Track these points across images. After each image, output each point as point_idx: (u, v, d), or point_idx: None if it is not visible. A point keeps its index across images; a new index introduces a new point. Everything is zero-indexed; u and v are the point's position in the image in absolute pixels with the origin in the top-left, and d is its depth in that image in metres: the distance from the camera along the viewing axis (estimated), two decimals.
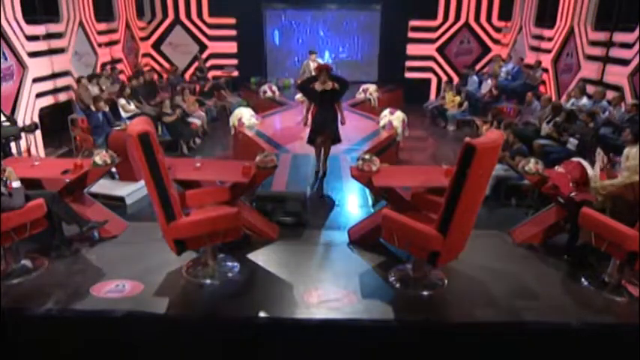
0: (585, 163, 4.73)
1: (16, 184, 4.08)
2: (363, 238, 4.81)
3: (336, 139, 6.82)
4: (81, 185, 4.88)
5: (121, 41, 12.27)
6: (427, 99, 13.27)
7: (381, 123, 9.26)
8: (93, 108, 7.93)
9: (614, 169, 4.35)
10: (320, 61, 9.93)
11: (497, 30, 13.79)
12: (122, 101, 9.41)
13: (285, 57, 14.74)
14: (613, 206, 4.01)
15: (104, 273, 4.24)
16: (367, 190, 5.94)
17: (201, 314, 3.86)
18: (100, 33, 11.15)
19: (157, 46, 14.07)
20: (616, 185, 3.95)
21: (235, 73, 14.20)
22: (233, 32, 14.10)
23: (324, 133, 6.68)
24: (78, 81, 9.45)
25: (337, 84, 6.51)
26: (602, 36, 9.47)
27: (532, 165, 4.81)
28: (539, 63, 11.36)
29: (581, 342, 3.69)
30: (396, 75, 14.04)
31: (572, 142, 7.34)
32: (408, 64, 14.22)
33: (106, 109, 8.24)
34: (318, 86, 6.47)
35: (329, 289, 4.06)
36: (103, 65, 11.14)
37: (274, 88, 12.42)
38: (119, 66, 11.86)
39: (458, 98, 11.74)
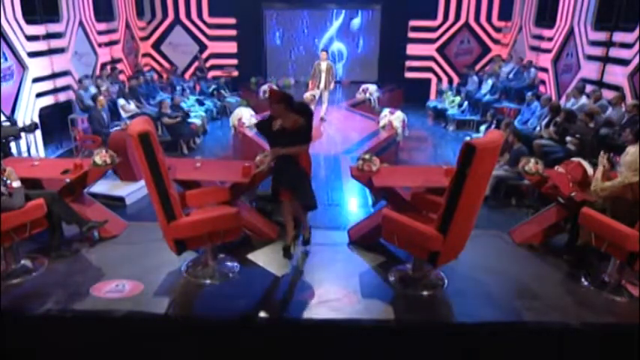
0: (585, 163, 4.74)
1: (16, 184, 4.08)
2: (363, 238, 4.80)
3: (308, 203, 4.36)
4: (81, 185, 4.88)
5: (121, 41, 12.26)
6: (427, 99, 13.29)
7: (381, 123, 9.27)
8: (99, 106, 7.96)
9: (614, 169, 4.34)
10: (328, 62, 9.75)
11: (497, 30, 13.80)
12: (122, 101, 9.41)
13: (285, 57, 14.75)
14: (613, 207, 4.01)
15: (104, 273, 4.24)
16: (367, 190, 5.94)
17: (201, 314, 3.86)
18: (100, 33, 11.15)
19: (157, 46, 14.07)
20: (616, 186, 3.95)
21: (235, 73, 14.21)
22: (233, 32, 14.11)
23: (287, 191, 4.34)
24: (80, 81, 9.47)
25: (302, 117, 4.13)
26: (602, 36, 9.47)
27: (532, 165, 4.82)
28: (530, 63, 11.37)
29: (581, 342, 3.69)
30: (396, 75, 14.05)
31: (572, 142, 7.34)
32: (408, 64, 14.23)
33: (105, 106, 8.29)
34: (274, 123, 4.19)
35: (329, 289, 4.05)
36: (103, 65, 11.14)
37: (274, 88, 12.43)
38: (119, 66, 11.86)
39: (458, 98, 11.74)
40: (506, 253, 4.76)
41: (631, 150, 4.02)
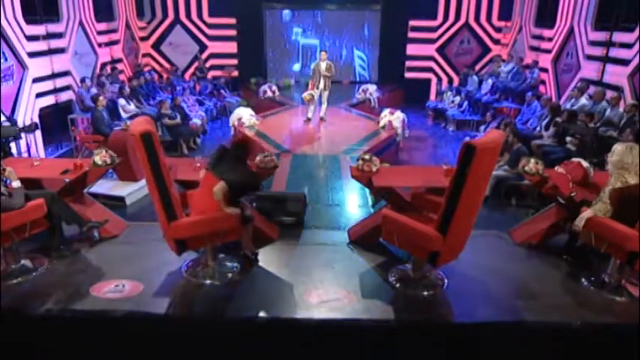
0: (585, 163, 4.73)
1: (16, 184, 4.08)
2: (363, 238, 4.80)
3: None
4: (81, 185, 4.88)
5: (121, 41, 12.27)
6: (427, 99, 13.30)
7: (381, 123, 9.28)
8: (100, 106, 7.98)
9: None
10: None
11: (497, 30, 13.80)
12: (122, 101, 9.41)
13: (285, 57, 14.75)
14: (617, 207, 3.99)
15: (104, 273, 4.23)
16: (367, 190, 5.94)
17: (201, 314, 3.86)
18: (100, 33, 11.15)
19: (157, 46, 14.07)
20: (605, 208, 3.94)
21: (235, 73, 14.21)
22: (233, 32, 14.11)
23: None
24: (82, 81, 9.47)
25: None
26: (602, 36, 9.47)
27: (532, 165, 4.82)
28: (535, 62, 11.37)
29: (581, 342, 3.69)
30: (396, 75, 14.05)
31: (572, 142, 7.34)
32: (408, 64, 14.23)
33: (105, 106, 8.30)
34: None
35: (329, 289, 4.05)
36: (103, 65, 11.15)
37: (274, 88, 12.43)
38: (119, 66, 11.87)
39: (458, 98, 11.75)
40: (506, 253, 4.76)
41: (617, 149, 4.00)
